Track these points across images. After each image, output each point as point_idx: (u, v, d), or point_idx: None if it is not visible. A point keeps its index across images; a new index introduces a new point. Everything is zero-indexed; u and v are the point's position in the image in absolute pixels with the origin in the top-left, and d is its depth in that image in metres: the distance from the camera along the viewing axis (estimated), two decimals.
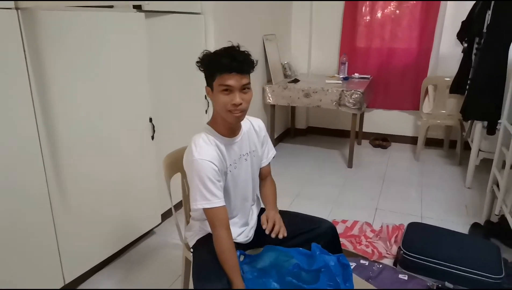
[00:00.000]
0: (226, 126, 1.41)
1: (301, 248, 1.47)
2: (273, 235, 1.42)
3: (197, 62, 1.37)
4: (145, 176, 2.29)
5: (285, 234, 1.44)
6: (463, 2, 3.60)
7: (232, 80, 1.28)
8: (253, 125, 1.57)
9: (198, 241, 1.53)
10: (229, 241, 1.34)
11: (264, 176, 1.66)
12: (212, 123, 1.44)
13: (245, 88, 1.32)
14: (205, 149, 1.35)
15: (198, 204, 1.33)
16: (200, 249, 1.50)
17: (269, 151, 1.65)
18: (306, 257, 1.41)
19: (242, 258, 1.43)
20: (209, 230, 1.48)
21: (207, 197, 1.32)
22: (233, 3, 2.99)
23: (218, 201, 1.33)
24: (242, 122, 1.49)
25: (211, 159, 1.33)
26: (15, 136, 1.54)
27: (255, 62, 1.35)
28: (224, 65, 1.27)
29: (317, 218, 1.61)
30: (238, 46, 1.34)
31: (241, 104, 1.31)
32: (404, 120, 4.30)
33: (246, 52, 1.33)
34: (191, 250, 1.55)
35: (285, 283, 1.30)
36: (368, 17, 4.13)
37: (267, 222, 1.46)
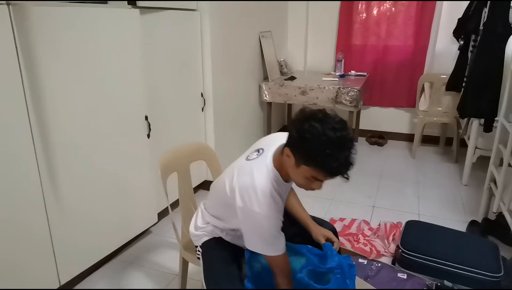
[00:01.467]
0: (289, 176, 1.28)
1: (310, 246, 1.45)
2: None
3: (295, 130, 1.14)
4: (141, 175, 2.26)
5: (338, 244, 1.46)
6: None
7: (327, 179, 1.14)
8: None
9: (206, 242, 1.49)
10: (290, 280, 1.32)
11: None
12: (279, 168, 1.27)
13: None
14: (273, 204, 1.23)
15: (270, 254, 1.27)
16: (210, 251, 1.46)
17: None
18: (317, 257, 1.39)
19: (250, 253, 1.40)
20: (220, 234, 1.47)
21: (277, 246, 1.27)
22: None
23: (282, 248, 1.28)
24: None
25: (279, 215, 1.26)
26: (7, 135, 1.50)
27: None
28: (329, 169, 1.10)
29: (320, 219, 1.60)
30: (351, 137, 1.14)
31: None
32: (400, 117, 4.30)
33: (351, 144, 1.12)
34: (199, 249, 1.51)
35: (295, 279, 1.29)
36: (364, 15, 4.12)
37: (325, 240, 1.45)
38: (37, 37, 1.55)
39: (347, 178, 1.13)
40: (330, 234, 1.48)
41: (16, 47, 1.48)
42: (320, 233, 1.47)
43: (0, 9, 1.41)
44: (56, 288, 1.82)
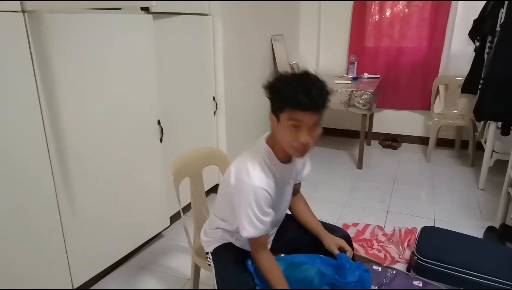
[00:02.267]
0: (286, 154, 1.30)
1: (323, 256, 1.43)
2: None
3: (266, 87, 1.23)
4: (153, 179, 2.27)
5: (351, 252, 1.45)
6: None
7: (304, 118, 1.14)
8: None
9: (217, 248, 1.48)
10: (271, 260, 1.31)
11: (295, 191, 1.57)
12: (271, 144, 1.31)
13: (315, 124, 1.18)
14: (262, 176, 1.24)
15: (246, 232, 1.25)
16: (222, 257, 1.46)
17: (306, 167, 1.55)
18: (332, 267, 1.37)
19: (253, 265, 1.39)
20: (230, 239, 1.46)
21: (258, 226, 1.25)
22: (241, 3, 2.95)
23: (265, 230, 1.27)
24: None
25: (267, 188, 1.24)
26: (22, 140, 1.52)
27: (330, 93, 1.20)
28: (298, 102, 1.12)
29: (333, 226, 1.57)
30: (315, 75, 1.20)
31: (308, 142, 1.18)
32: (415, 120, 4.24)
33: (322, 83, 1.18)
34: (209, 256, 1.50)
35: None
36: (377, 16, 4.08)
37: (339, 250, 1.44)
38: (51, 44, 1.57)
39: (320, 111, 1.16)
40: (343, 243, 1.45)
41: (31, 53, 1.49)
42: (332, 242, 1.45)
43: (15, 17, 1.43)
44: None
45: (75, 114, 1.73)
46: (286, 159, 1.33)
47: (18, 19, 1.43)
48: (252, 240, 1.30)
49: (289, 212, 1.59)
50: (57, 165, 1.68)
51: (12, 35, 1.42)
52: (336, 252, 1.41)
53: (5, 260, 1.53)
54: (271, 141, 1.31)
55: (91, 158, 1.84)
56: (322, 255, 1.43)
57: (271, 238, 1.52)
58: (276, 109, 1.20)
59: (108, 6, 1.80)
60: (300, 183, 1.60)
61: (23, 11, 1.44)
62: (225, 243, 1.47)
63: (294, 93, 1.13)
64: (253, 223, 1.24)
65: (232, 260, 1.41)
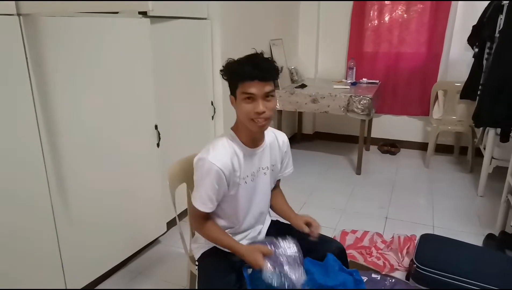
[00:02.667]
0: (249, 136, 1.38)
1: (310, 258, 1.41)
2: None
3: (221, 70, 1.35)
4: (150, 184, 2.24)
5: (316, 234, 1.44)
6: (474, 5, 3.53)
7: (255, 88, 1.26)
8: (277, 139, 1.53)
9: (203, 254, 1.49)
10: (215, 226, 1.42)
11: (275, 187, 1.62)
12: (235, 130, 1.41)
13: (268, 95, 1.29)
14: (221, 154, 1.33)
15: (196, 203, 1.35)
16: (205, 263, 1.47)
17: (287, 168, 1.62)
18: (320, 267, 1.35)
19: (249, 271, 1.37)
20: (214, 244, 1.46)
21: (203, 200, 1.34)
22: (239, 7, 2.94)
23: (211, 207, 1.36)
24: (266, 134, 1.45)
25: (221, 166, 1.31)
26: (17, 144, 1.50)
27: (279, 69, 1.33)
28: (247, 73, 1.25)
29: (327, 237, 1.56)
30: (261, 53, 1.32)
31: (264, 112, 1.28)
32: (413, 125, 4.23)
33: (269, 58, 1.32)
34: (196, 263, 1.51)
35: None
36: (376, 21, 4.08)
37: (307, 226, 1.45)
38: (47, 48, 1.55)
39: (269, 81, 1.28)
40: (309, 219, 1.47)
41: (26, 57, 1.47)
42: (300, 220, 1.47)
43: (10, 20, 1.40)
44: None
45: (70, 118, 1.71)
46: (251, 143, 1.40)
47: (13, 22, 1.41)
48: (196, 211, 1.36)
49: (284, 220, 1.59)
50: (51, 170, 1.65)
51: (7, 38, 1.40)
52: (305, 228, 1.43)
53: None
54: (235, 128, 1.41)
55: (86, 162, 1.82)
56: (309, 258, 1.41)
57: (260, 236, 1.54)
58: (232, 87, 1.33)
59: (105, 9, 1.78)
60: (279, 180, 1.64)
61: (19, 14, 1.42)
62: (210, 248, 1.47)
63: (243, 66, 1.27)
64: (200, 197, 1.34)
65: (215, 264, 1.42)
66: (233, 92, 1.34)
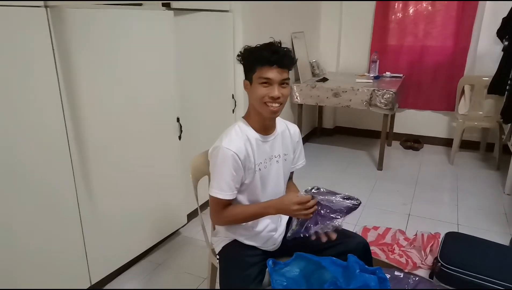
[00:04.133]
0: (261, 122, 1.38)
1: (334, 258, 1.39)
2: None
3: (238, 55, 1.36)
4: (172, 176, 2.26)
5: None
6: None
7: (273, 73, 1.28)
8: (289, 129, 1.53)
9: (224, 247, 1.49)
10: (233, 206, 1.39)
11: (289, 179, 1.61)
12: (247, 118, 1.42)
13: (284, 82, 1.31)
14: (234, 140, 1.33)
15: (213, 192, 1.34)
16: (226, 257, 1.46)
17: (299, 159, 1.60)
18: (341, 268, 1.33)
19: (272, 265, 1.36)
20: (234, 236, 1.47)
21: (222, 187, 1.33)
22: (261, 1, 2.91)
23: (230, 194, 1.34)
24: (277, 124, 1.45)
25: (236, 151, 1.31)
26: (44, 137, 1.52)
27: (295, 59, 1.35)
28: (265, 58, 1.27)
29: (350, 232, 1.53)
30: (279, 42, 1.34)
31: (279, 97, 1.30)
32: (438, 121, 4.12)
33: (287, 48, 1.33)
34: (217, 256, 1.51)
35: None
36: (400, 14, 3.97)
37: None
38: (73, 40, 1.57)
39: (287, 68, 1.32)
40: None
41: (53, 48, 1.49)
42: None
43: (38, 12, 1.42)
44: (86, 288, 1.84)
45: (95, 110, 1.73)
46: (262, 129, 1.40)
47: (40, 14, 1.43)
48: (214, 201, 1.35)
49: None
50: (77, 161, 1.68)
51: (34, 30, 1.42)
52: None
53: (23, 255, 1.53)
54: (246, 115, 1.43)
55: (110, 154, 1.84)
56: (333, 257, 1.38)
57: (279, 238, 1.51)
58: (248, 71, 1.34)
59: (130, 1, 1.79)
60: (292, 173, 1.64)
61: (46, 6, 1.44)
62: (231, 241, 1.47)
63: (262, 52, 1.29)
64: (218, 184, 1.32)
65: (236, 257, 1.41)
66: (248, 76, 1.35)
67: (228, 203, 1.38)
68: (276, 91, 1.29)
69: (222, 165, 1.31)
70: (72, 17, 1.55)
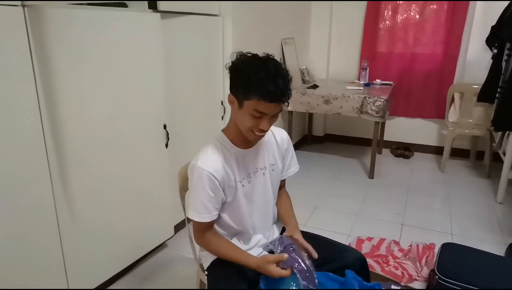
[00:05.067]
0: (242, 138, 1.29)
1: (330, 273, 1.32)
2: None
3: (230, 68, 1.21)
4: (158, 186, 2.16)
5: (316, 256, 1.29)
6: (493, 5, 3.40)
7: (270, 109, 1.16)
8: (275, 136, 1.43)
9: (213, 263, 1.40)
10: (219, 238, 1.34)
11: (279, 187, 1.52)
12: (227, 131, 1.33)
13: (277, 113, 1.21)
14: (210, 158, 1.25)
15: (189, 214, 1.27)
16: (215, 272, 1.38)
17: (291, 166, 1.51)
18: (338, 284, 1.25)
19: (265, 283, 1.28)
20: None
21: (199, 210, 1.25)
22: (251, 4, 2.85)
23: (207, 217, 1.27)
24: None
25: (212, 171, 1.23)
26: (19, 141, 1.42)
27: (291, 81, 1.20)
28: (267, 93, 1.12)
29: (346, 246, 1.46)
30: (280, 64, 1.19)
31: (268, 129, 1.22)
32: (428, 128, 4.10)
33: (286, 70, 1.18)
34: (206, 272, 1.42)
35: None
36: (390, 21, 3.96)
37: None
38: (52, 40, 1.47)
39: (286, 103, 1.19)
40: (296, 235, 1.37)
41: (30, 49, 1.39)
42: (299, 237, 1.37)
43: (14, 11, 1.33)
44: None
45: (76, 116, 1.62)
46: (244, 144, 1.32)
47: (17, 13, 1.33)
48: (194, 223, 1.29)
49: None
50: (55, 168, 1.57)
51: (11, 30, 1.32)
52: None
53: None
54: (227, 129, 1.33)
55: (91, 162, 1.74)
56: (330, 273, 1.31)
57: (270, 241, 1.44)
58: (242, 94, 1.18)
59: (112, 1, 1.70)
60: (284, 180, 1.54)
61: (23, 5, 1.34)
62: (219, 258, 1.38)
63: (263, 83, 1.12)
64: (194, 206, 1.25)
65: (225, 273, 1.32)
66: (238, 97, 1.19)
67: (209, 225, 1.30)
68: (266, 125, 1.19)
69: (198, 186, 1.24)
70: (51, 16, 1.45)
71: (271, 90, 1.11)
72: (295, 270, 1.19)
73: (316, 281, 1.18)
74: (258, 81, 1.12)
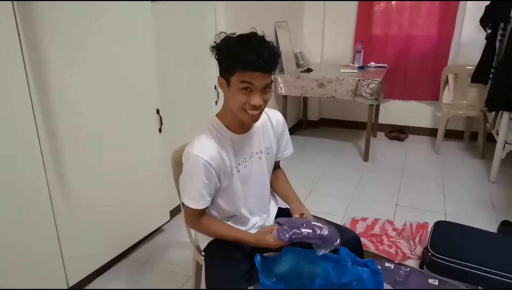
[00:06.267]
0: (237, 122, 1.28)
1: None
2: None
3: (213, 47, 1.19)
4: (152, 171, 2.16)
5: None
6: None
7: (256, 79, 1.13)
8: (270, 119, 1.42)
9: (209, 244, 1.41)
10: (216, 220, 1.36)
11: (275, 167, 1.52)
12: (222, 117, 1.31)
13: (267, 87, 1.17)
14: (206, 146, 1.24)
15: (185, 201, 1.27)
16: (212, 253, 1.38)
17: (286, 149, 1.51)
18: (332, 262, 1.27)
19: (260, 260, 1.29)
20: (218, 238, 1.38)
21: (194, 197, 1.26)
22: None
23: (203, 203, 1.27)
24: None
25: (208, 159, 1.22)
26: (12, 129, 1.41)
27: (280, 58, 1.19)
28: (249, 62, 1.10)
29: (341, 226, 1.47)
30: (263, 36, 1.17)
31: (261, 105, 1.17)
32: (422, 111, 4.11)
33: (271, 44, 1.17)
34: (202, 253, 1.43)
35: None
36: (384, 3, 3.93)
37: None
38: (42, 28, 1.46)
39: (272, 72, 1.16)
40: (303, 210, 1.38)
41: (20, 42, 1.38)
42: (296, 210, 1.38)
43: (3, 6, 1.31)
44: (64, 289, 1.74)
45: (68, 103, 1.62)
46: (239, 129, 1.30)
47: (5, 7, 1.31)
48: (189, 210, 1.29)
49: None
50: (49, 156, 1.57)
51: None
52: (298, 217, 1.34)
53: None
54: (221, 113, 1.32)
55: (86, 148, 1.74)
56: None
57: (267, 223, 1.46)
58: (226, 71, 1.16)
59: None
60: (278, 161, 1.54)
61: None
62: (217, 239, 1.39)
63: (244, 53, 1.11)
64: (190, 193, 1.25)
65: (222, 254, 1.33)
66: (225, 76, 1.18)
67: (203, 210, 1.31)
68: (258, 99, 1.16)
69: (193, 173, 1.23)
70: (39, 4, 1.43)
71: (252, 58, 1.10)
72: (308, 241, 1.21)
73: (338, 240, 1.22)
74: (240, 53, 1.11)
